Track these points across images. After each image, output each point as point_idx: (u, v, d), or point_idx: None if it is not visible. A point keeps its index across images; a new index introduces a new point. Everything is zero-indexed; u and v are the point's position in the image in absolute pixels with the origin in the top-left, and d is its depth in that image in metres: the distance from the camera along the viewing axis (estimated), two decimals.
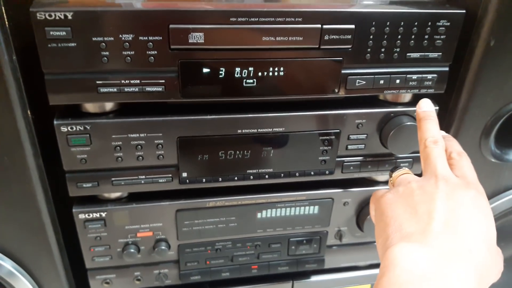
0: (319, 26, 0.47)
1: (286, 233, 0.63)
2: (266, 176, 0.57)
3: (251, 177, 0.57)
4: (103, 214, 0.55)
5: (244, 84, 0.49)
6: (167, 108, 0.51)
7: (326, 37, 0.48)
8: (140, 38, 0.44)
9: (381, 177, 0.62)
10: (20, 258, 0.57)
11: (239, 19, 0.45)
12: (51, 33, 0.43)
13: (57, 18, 0.42)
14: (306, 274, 0.70)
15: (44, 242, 0.55)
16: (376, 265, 0.72)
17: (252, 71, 0.49)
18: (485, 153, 0.60)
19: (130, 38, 0.44)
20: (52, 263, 0.58)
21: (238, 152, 0.54)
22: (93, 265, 0.59)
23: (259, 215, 0.61)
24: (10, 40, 0.44)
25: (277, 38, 0.47)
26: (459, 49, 0.53)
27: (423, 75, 0.53)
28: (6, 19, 0.43)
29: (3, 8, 0.42)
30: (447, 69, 0.53)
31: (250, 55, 0.48)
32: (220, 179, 0.56)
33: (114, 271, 0.61)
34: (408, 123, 0.54)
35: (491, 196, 0.65)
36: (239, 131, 0.53)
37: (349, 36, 0.48)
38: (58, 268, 0.58)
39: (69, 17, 0.42)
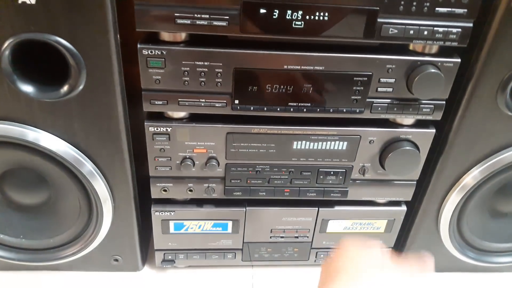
0: None
1: (316, 164, 0.74)
2: (304, 110, 0.67)
3: (292, 109, 0.67)
4: (169, 129, 0.67)
5: (293, 25, 0.59)
6: (227, 43, 0.61)
7: None
8: None
9: (406, 120, 0.71)
10: (98, 161, 0.69)
11: None
12: None
13: None
14: (330, 204, 0.80)
15: (118, 148, 0.68)
16: (394, 203, 0.81)
17: (301, 14, 0.58)
18: (501, 105, 0.67)
19: None
20: (123, 167, 0.70)
21: (282, 86, 0.64)
22: (156, 173, 0.72)
23: (294, 145, 0.71)
24: None
25: None
26: (483, 9, 0.60)
27: (449, 29, 0.61)
28: None
29: None
30: (471, 25, 0.61)
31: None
32: (265, 108, 0.66)
33: (172, 181, 0.73)
34: (432, 70, 0.63)
35: (503, 147, 0.73)
36: (285, 66, 0.63)
37: None
38: (127, 172, 0.71)
39: None
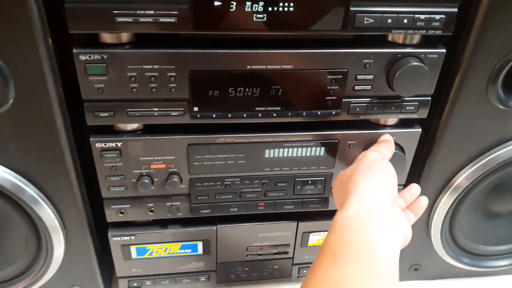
0: None
1: (292, 173, 0.66)
2: (274, 115, 0.59)
3: (260, 115, 0.59)
4: (119, 144, 0.58)
5: (254, 19, 0.51)
6: (180, 42, 0.53)
7: None
8: None
9: (388, 120, 0.63)
10: (42, 185, 0.61)
11: None
12: None
13: None
14: (311, 215, 0.73)
15: (63, 168, 0.59)
16: None
17: (262, 6, 0.50)
18: (492, 99, 0.61)
19: None
20: (70, 190, 0.61)
21: (247, 89, 0.56)
22: (109, 194, 0.63)
23: (266, 154, 0.63)
24: None
25: None
26: None
27: (431, 16, 0.53)
28: None
29: None
30: (456, 10, 0.53)
31: None
32: (230, 115, 0.58)
33: (129, 202, 0.64)
34: (415, 63, 0.55)
35: (497, 144, 0.66)
36: (249, 67, 0.54)
37: None
38: (76, 195, 0.62)
39: None
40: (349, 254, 0.43)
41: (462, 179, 0.68)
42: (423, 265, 0.82)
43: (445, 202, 0.71)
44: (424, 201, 0.57)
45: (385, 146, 0.60)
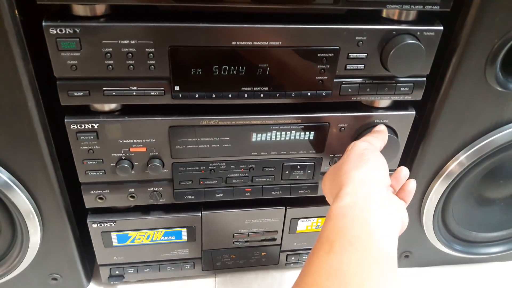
0: None
1: (281, 158, 0.63)
2: (261, 95, 0.55)
3: (246, 95, 0.55)
4: (95, 126, 0.55)
5: None
6: (159, 15, 0.49)
7: None
8: None
9: (381, 102, 0.61)
10: (15, 169, 0.57)
11: None
12: None
13: None
14: (299, 201, 0.70)
15: (37, 152, 0.56)
16: None
17: None
18: (490, 80, 0.58)
19: None
20: (46, 175, 0.58)
21: (232, 67, 0.53)
22: (87, 179, 0.60)
23: (253, 137, 0.60)
24: None
25: None
26: None
27: None
28: None
29: None
30: None
31: None
32: (214, 95, 0.55)
33: (108, 187, 0.61)
34: (411, 41, 0.52)
35: (493, 128, 0.63)
36: (234, 43, 0.51)
37: None
38: (51, 180, 0.59)
39: None
40: (346, 242, 0.42)
41: (456, 164, 0.66)
42: (414, 252, 0.81)
43: (438, 188, 0.69)
44: (412, 185, 0.54)
45: (377, 137, 0.58)
